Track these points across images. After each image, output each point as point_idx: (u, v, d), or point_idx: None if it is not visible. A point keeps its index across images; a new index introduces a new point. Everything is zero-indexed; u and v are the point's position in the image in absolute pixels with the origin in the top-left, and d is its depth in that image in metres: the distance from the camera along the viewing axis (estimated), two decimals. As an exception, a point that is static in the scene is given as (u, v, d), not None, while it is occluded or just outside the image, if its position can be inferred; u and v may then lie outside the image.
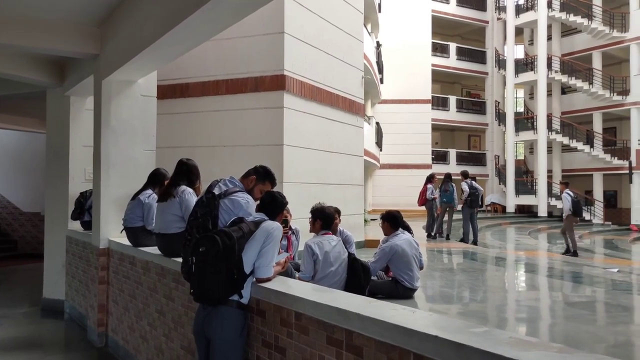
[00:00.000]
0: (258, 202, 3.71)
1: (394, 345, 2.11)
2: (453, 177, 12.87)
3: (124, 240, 5.58)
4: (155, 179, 5.42)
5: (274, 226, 3.28)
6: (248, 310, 3.20)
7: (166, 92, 8.13)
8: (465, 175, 12.39)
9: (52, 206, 8.09)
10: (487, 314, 5.72)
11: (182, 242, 4.11)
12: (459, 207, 12.50)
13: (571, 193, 12.77)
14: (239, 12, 3.99)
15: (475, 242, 12.31)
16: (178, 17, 4.04)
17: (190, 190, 4.51)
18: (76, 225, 7.44)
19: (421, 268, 5.79)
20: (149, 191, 5.36)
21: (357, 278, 4.92)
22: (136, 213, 5.27)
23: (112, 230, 5.99)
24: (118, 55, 5.54)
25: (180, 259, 4.08)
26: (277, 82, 7.78)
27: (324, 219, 5.08)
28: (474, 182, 12.25)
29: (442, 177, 12.75)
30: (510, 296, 6.89)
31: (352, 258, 5.03)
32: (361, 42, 10.35)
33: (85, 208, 7.16)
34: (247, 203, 3.61)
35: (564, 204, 12.73)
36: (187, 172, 4.64)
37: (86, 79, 6.70)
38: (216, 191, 3.65)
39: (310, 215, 5.16)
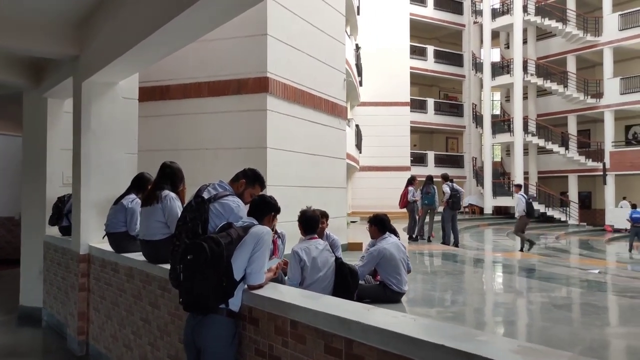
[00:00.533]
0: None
1: (399, 354, 2.06)
2: (434, 180, 12.93)
3: (105, 246, 5.44)
4: (139, 184, 5.29)
5: (264, 230, 3.21)
6: (239, 318, 3.13)
7: (146, 94, 7.97)
8: (446, 177, 12.46)
9: (28, 211, 7.88)
10: (477, 318, 5.71)
11: (168, 248, 4.02)
12: (440, 209, 12.57)
13: (525, 195, 13.48)
14: (229, 11, 3.92)
15: (456, 244, 12.37)
16: (167, 16, 3.93)
17: (173, 195, 4.40)
18: (54, 231, 7.25)
19: (409, 271, 5.77)
20: (132, 196, 5.24)
21: (345, 282, 4.87)
22: (119, 218, 5.14)
23: (92, 236, 5.84)
24: (100, 57, 5.41)
25: (166, 266, 3.99)
26: (260, 85, 7.70)
27: (305, 223, 5.02)
28: (455, 184, 12.33)
29: (423, 179, 12.80)
30: (496, 298, 6.91)
31: (339, 262, 4.98)
32: (343, 44, 10.33)
33: (63, 213, 6.98)
34: (238, 207, 3.54)
35: (518, 205, 13.32)
36: (170, 175, 4.53)
37: (65, 80, 6.53)
38: (205, 195, 3.57)
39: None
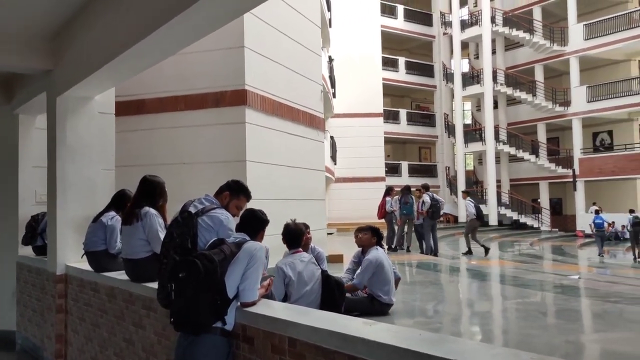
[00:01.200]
0: (237, 219, 3.57)
1: (408, 371, 2.00)
2: (411, 189, 12.98)
3: (84, 265, 5.26)
4: (119, 201, 5.14)
5: (257, 247, 3.14)
6: (232, 337, 3.03)
7: (120, 109, 7.79)
8: (426, 187, 12.53)
9: (0, 231, 7.61)
10: (468, 328, 5.70)
11: (153, 266, 3.91)
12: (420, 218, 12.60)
13: (472, 200, 14.06)
14: (213, 24, 3.86)
15: (435, 254, 12.40)
16: (150, 27, 3.84)
17: (153, 212, 4.27)
18: (27, 251, 7.01)
19: (398, 279, 5.78)
20: (112, 213, 5.09)
21: (331, 296, 4.79)
22: (98, 236, 4.98)
23: (69, 255, 5.65)
24: (75, 71, 5.26)
25: (152, 284, 3.87)
26: (238, 97, 7.60)
27: (289, 236, 4.95)
28: (435, 194, 12.41)
29: (401, 189, 12.84)
30: (482, 308, 6.90)
31: (325, 275, 4.90)
32: (319, 56, 10.32)
33: (37, 232, 6.76)
34: (227, 219, 3.48)
35: (468, 209, 13.81)
36: (149, 191, 4.40)
37: (38, 96, 6.35)
38: (192, 210, 3.49)
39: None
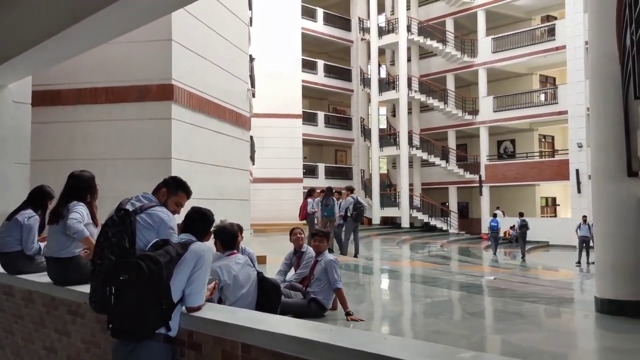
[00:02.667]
0: (176, 217, 3.41)
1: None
2: (333, 191, 13.07)
3: (-5, 267, 4.83)
4: (37, 198, 4.75)
5: (204, 248, 3.01)
6: (176, 343, 2.88)
7: (34, 99, 7.27)
8: (351, 190, 12.69)
9: None
10: (411, 329, 5.82)
11: (82, 267, 3.68)
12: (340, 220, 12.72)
13: (354, 198, 13.35)
14: (149, 14, 3.67)
15: (356, 255, 12.58)
16: (77, 16, 3.59)
17: (80, 204, 4.01)
18: None
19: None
20: (29, 211, 4.69)
21: (268, 298, 4.70)
22: (13, 235, 4.58)
23: (-24, 256, 5.15)
24: (-11, 56, 4.83)
25: (79, 288, 3.63)
26: (165, 92, 7.32)
27: (223, 237, 4.82)
28: (359, 197, 12.59)
29: (323, 191, 12.91)
30: (414, 308, 7.06)
31: (260, 277, 4.81)
32: (247, 54, 10.17)
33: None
34: (168, 217, 3.31)
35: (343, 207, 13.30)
36: (77, 186, 4.12)
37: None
38: (129, 207, 3.27)
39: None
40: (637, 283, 5.85)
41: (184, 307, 2.89)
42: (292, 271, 6.27)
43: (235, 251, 4.86)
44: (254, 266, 5.17)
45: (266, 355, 2.40)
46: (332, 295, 5.53)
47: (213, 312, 2.85)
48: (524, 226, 20.33)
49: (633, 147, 5.69)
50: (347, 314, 5.44)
